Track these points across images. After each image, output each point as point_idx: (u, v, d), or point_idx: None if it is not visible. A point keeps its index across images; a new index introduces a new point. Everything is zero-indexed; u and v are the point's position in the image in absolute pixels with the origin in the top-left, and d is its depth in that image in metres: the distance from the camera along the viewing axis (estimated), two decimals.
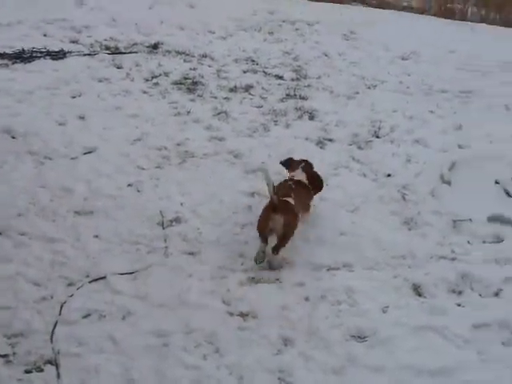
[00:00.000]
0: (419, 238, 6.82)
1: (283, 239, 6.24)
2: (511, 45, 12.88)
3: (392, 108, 9.78)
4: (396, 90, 10.63)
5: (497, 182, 7.73)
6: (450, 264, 6.42)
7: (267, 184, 6.15)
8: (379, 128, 9.09)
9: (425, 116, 9.60)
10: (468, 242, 6.78)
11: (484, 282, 6.13)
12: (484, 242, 6.83)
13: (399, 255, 6.51)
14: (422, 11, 16.69)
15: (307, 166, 7.13)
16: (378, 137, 8.87)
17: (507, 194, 7.56)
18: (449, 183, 7.73)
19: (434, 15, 16.16)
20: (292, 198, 6.40)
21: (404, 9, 16.77)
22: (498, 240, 6.85)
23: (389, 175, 7.94)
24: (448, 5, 17.20)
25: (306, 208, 6.82)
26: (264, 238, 6.29)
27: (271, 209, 6.21)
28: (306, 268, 6.27)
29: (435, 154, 8.48)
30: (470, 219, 7.08)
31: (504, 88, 10.89)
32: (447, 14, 16.46)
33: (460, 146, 8.72)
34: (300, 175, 6.97)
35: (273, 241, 6.28)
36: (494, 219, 7.08)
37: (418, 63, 12.04)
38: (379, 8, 16.45)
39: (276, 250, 6.25)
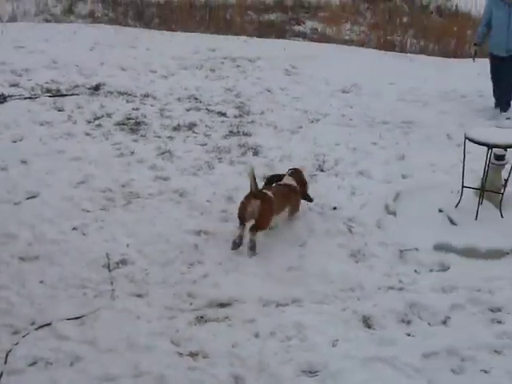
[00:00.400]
0: (367, 270, 6.84)
1: (260, 221, 6.98)
2: (450, 75, 13.09)
3: (335, 141, 9.87)
4: (339, 123, 10.75)
5: (440, 211, 7.82)
6: (398, 294, 6.44)
7: (250, 179, 6.93)
8: (323, 161, 9.15)
9: (368, 148, 9.71)
10: (415, 271, 6.83)
11: (432, 311, 6.17)
12: (431, 270, 6.89)
13: (347, 288, 6.50)
14: (362, 44, 16.94)
15: (296, 173, 7.82)
16: (322, 170, 8.93)
17: (451, 222, 7.64)
18: (394, 214, 7.78)
19: (375, 47, 16.40)
20: (272, 192, 7.22)
21: (345, 42, 16.99)
22: (444, 268, 6.91)
23: (335, 208, 7.97)
24: (388, 37, 17.47)
25: (295, 205, 7.64)
26: (242, 222, 7.03)
27: (250, 196, 7.00)
28: (255, 304, 6.22)
29: (379, 185, 8.57)
30: (416, 248, 7.13)
31: (444, 117, 11.10)
32: (387, 46, 16.72)
33: (403, 176, 8.86)
34: (288, 179, 7.67)
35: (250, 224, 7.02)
36: (439, 248, 7.15)
37: (359, 96, 12.23)
38: (320, 42, 16.66)
39: (254, 229, 6.98)
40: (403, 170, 9.02)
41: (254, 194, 6.99)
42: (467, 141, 7.61)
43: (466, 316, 6.15)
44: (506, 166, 7.77)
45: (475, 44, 11.82)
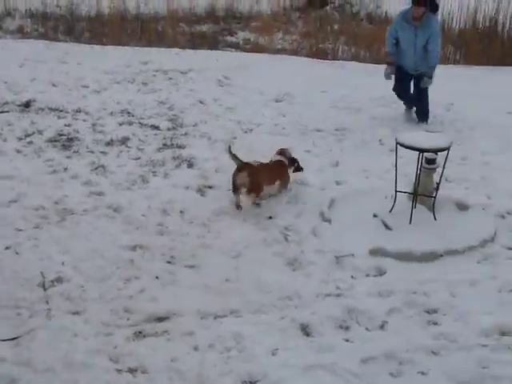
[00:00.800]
0: (304, 278, 6.84)
1: (252, 187, 7.94)
2: (381, 81, 13.21)
3: (269, 150, 9.79)
4: (272, 132, 10.78)
5: (375, 216, 7.89)
6: (336, 300, 6.46)
7: (230, 157, 8.09)
8: None
9: (301, 156, 9.68)
10: (352, 277, 6.86)
11: (369, 316, 6.20)
12: (367, 275, 6.93)
13: (285, 296, 6.50)
14: (295, 52, 17.05)
15: (283, 152, 8.78)
16: None
17: (386, 226, 7.72)
18: (329, 221, 7.83)
19: (307, 56, 16.51)
20: (259, 164, 8.20)
21: (278, 51, 17.07)
22: (381, 273, 6.96)
23: (270, 217, 7.99)
24: (320, 45, 17.60)
25: (285, 179, 8.56)
26: (235, 191, 8.01)
27: (236, 171, 7.94)
28: (193, 317, 6.18)
29: (314, 192, 8.61)
30: (352, 254, 7.17)
31: (376, 123, 11.23)
32: (319, 54, 16.86)
33: (337, 183, 8.91)
34: (276, 157, 8.70)
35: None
36: (375, 252, 7.20)
37: (292, 104, 12.29)
38: (253, 52, 16.72)
39: (248, 192, 7.99)
40: (337, 176, 9.08)
41: (239, 168, 7.91)
42: (399, 146, 7.70)
43: (403, 319, 6.21)
44: (437, 169, 7.87)
45: (391, 63, 11.66)
